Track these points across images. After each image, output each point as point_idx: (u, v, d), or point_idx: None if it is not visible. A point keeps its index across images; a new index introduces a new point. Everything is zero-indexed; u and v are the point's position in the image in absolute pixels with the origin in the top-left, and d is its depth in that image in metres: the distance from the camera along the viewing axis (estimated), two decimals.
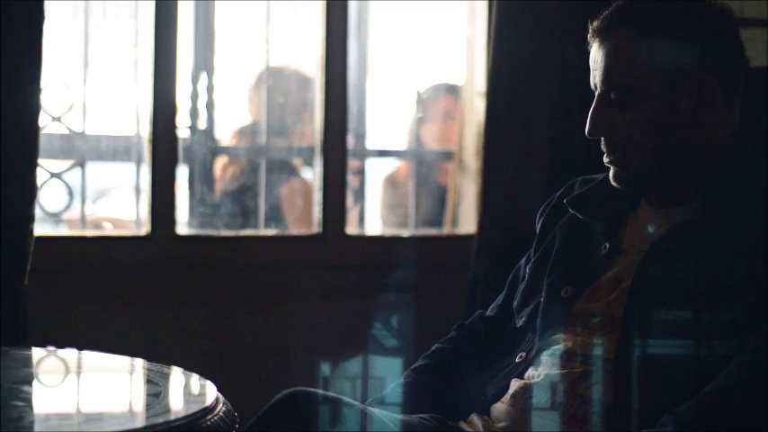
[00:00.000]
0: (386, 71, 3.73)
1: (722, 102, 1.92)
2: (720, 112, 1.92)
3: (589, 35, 1.97)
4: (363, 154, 3.67)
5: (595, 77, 1.95)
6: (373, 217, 3.92)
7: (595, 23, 1.96)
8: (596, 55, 1.95)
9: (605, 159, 1.97)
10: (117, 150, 3.35)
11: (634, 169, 1.94)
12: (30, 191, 2.79)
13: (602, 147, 1.96)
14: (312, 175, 3.51)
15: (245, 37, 3.55)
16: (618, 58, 1.91)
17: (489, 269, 3.29)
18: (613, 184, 1.97)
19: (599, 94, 1.95)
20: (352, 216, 3.67)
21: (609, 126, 1.93)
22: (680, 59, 1.90)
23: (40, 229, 3.00)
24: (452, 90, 3.75)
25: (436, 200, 3.79)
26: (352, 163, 3.60)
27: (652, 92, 1.89)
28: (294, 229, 3.60)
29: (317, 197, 3.44)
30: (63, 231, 3.31)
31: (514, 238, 3.25)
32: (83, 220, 3.27)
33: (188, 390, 1.95)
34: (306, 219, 3.62)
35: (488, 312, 2.23)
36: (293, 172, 3.70)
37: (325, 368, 3.02)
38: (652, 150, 1.91)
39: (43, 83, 2.81)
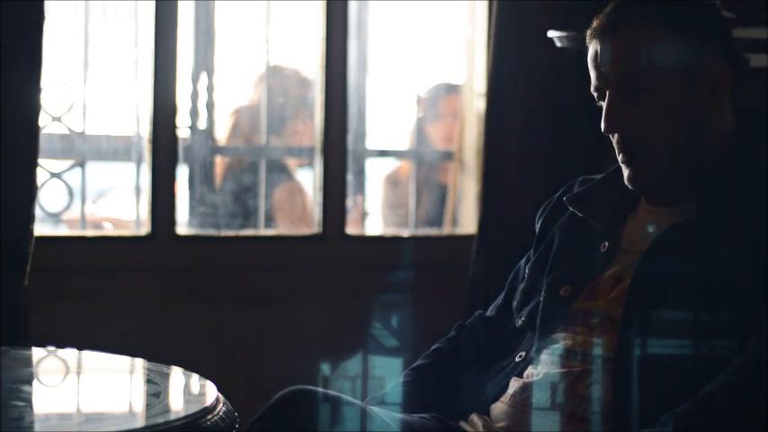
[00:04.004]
0: (386, 71, 3.73)
1: (729, 95, 1.93)
2: (727, 106, 1.93)
3: (592, 34, 1.96)
4: (363, 154, 3.67)
5: (605, 74, 1.92)
6: (373, 217, 3.92)
7: (599, 22, 1.95)
8: (605, 52, 1.92)
9: (620, 159, 1.95)
10: (117, 150, 3.35)
11: (653, 166, 1.92)
12: (30, 191, 2.79)
13: (616, 145, 1.95)
14: (311, 175, 3.51)
15: (245, 37, 3.55)
16: (634, 50, 1.90)
17: (489, 269, 3.29)
18: (628, 186, 1.95)
19: (613, 90, 1.92)
20: (352, 216, 3.67)
21: (628, 120, 1.91)
22: (693, 48, 1.90)
23: (40, 229, 3.00)
24: (457, 90, 3.75)
25: (436, 200, 3.79)
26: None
27: (671, 79, 1.89)
28: (287, 232, 3.60)
29: (317, 197, 3.44)
30: (63, 231, 3.31)
31: (514, 238, 3.25)
32: (83, 220, 3.27)
33: (188, 390, 1.95)
34: (299, 221, 3.62)
35: (488, 312, 2.23)
36: (287, 174, 3.70)
37: (325, 368, 3.02)
38: (673, 138, 1.90)
39: (43, 83, 2.81)
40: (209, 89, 3.50)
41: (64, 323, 3.01)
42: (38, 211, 2.91)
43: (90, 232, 3.29)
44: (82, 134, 3.24)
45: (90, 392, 2.01)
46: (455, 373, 2.14)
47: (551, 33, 3.11)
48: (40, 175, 2.94)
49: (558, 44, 3.08)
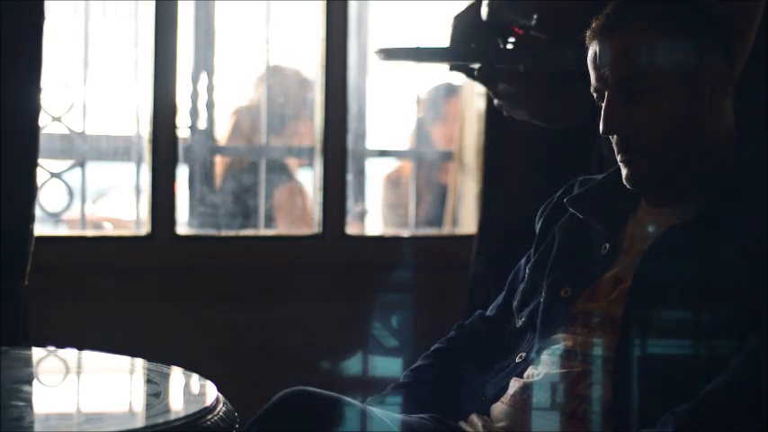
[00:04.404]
0: (386, 71, 3.73)
1: (730, 95, 1.93)
2: (727, 106, 1.93)
3: (592, 33, 1.96)
4: (363, 154, 3.67)
5: (604, 75, 1.93)
6: (373, 217, 3.92)
7: (598, 23, 1.95)
8: (605, 52, 1.92)
9: (619, 159, 1.95)
10: (117, 150, 3.35)
11: (651, 166, 1.92)
12: (30, 191, 2.79)
13: (616, 146, 1.95)
14: (311, 175, 3.51)
15: (245, 37, 3.55)
16: (633, 51, 1.89)
17: (489, 269, 3.28)
18: (626, 185, 1.95)
19: (612, 91, 1.92)
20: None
21: (627, 120, 1.91)
22: (693, 48, 1.90)
23: (40, 229, 3.00)
24: (457, 90, 3.75)
25: (436, 200, 3.79)
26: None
27: (670, 80, 1.89)
28: (287, 232, 3.60)
29: (317, 197, 3.44)
30: (63, 231, 3.31)
31: (514, 238, 3.24)
32: (83, 220, 3.27)
33: (188, 390, 1.95)
34: (299, 221, 3.62)
35: (488, 313, 2.23)
36: (287, 174, 3.70)
37: (326, 368, 3.02)
38: (672, 139, 1.89)
39: (43, 83, 2.80)
40: (209, 89, 3.50)
41: (64, 323, 3.01)
42: (38, 211, 2.91)
43: (90, 232, 3.29)
44: (82, 134, 3.24)
45: (90, 392, 2.01)
46: (455, 374, 2.14)
47: (377, 49, 2.60)
48: (40, 175, 2.93)
49: (383, 58, 2.57)
